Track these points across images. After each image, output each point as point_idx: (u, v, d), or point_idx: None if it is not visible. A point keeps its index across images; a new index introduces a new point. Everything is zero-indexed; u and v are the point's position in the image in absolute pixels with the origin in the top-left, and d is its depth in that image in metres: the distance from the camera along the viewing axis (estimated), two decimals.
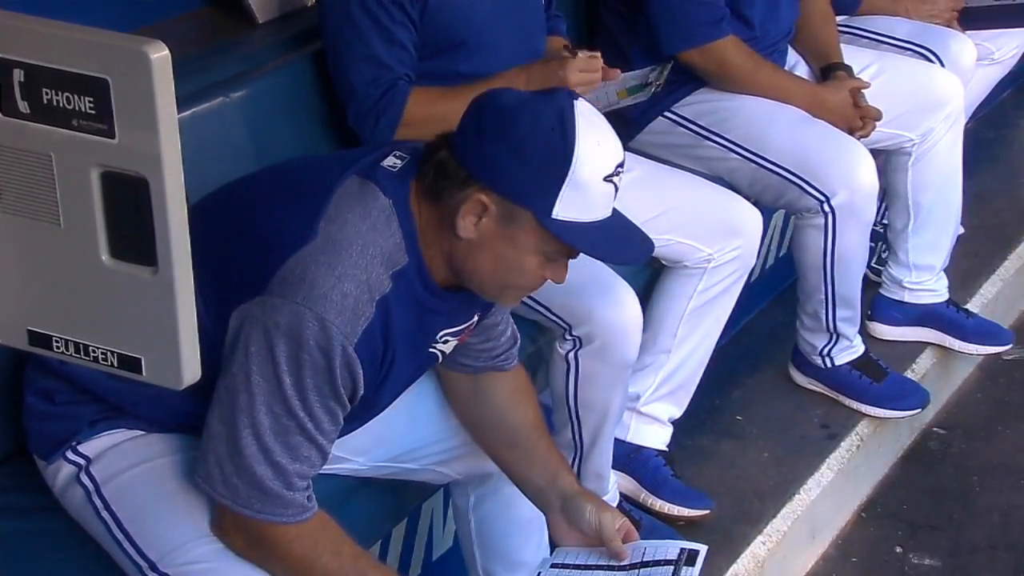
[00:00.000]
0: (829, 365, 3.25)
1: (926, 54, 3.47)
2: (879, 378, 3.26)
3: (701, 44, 3.00)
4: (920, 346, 3.52)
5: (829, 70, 3.20)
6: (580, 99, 1.86)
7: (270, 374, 1.78)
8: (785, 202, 3.07)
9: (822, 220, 3.01)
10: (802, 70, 3.28)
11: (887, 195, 3.45)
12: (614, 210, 1.89)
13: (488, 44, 2.62)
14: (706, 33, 3.00)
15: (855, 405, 3.26)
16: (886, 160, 3.38)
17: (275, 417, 1.80)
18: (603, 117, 1.90)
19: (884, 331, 3.54)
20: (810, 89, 3.14)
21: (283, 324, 1.77)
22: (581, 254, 1.91)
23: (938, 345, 3.52)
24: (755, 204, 2.98)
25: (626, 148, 1.96)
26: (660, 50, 2.97)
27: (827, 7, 3.32)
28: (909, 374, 3.42)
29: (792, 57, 3.28)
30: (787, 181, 3.01)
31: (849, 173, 3.00)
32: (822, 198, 3.00)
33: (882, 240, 3.65)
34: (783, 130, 3.04)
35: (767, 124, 3.04)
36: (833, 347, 3.23)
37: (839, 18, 3.42)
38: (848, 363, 3.25)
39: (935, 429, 3.51)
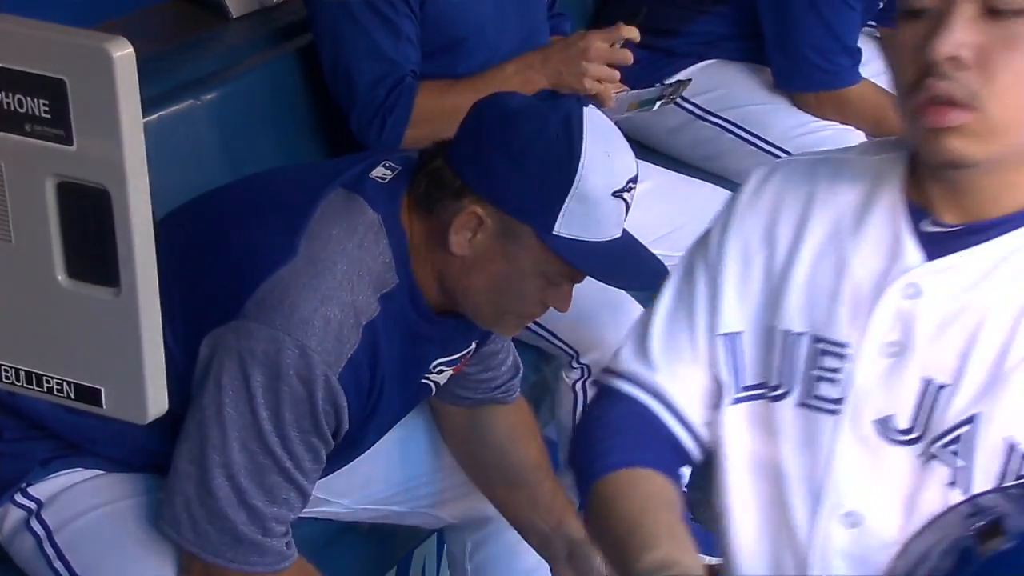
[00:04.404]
0: None
1: None
2: None
3: None
4: None
5: None
6: (590, 106, 1.86)
7: (245, 407, 1.78)
8: None
9: None
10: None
11: None
12: (624, 231, 1.89)
13: (489, 43, 2.62)
14: None
15: None
16: None
17: (250, 455, 1.79)
18: (615, 127, 1.90)
19: None
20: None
21: (259, 352, 1.76)
22: (587, 278, 1.91)
23: None
24: None
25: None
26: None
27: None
28: None
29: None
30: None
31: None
32: None
33: None
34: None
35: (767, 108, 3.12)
36: None
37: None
38: None
39: None
